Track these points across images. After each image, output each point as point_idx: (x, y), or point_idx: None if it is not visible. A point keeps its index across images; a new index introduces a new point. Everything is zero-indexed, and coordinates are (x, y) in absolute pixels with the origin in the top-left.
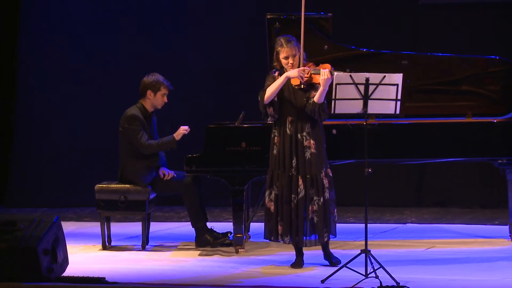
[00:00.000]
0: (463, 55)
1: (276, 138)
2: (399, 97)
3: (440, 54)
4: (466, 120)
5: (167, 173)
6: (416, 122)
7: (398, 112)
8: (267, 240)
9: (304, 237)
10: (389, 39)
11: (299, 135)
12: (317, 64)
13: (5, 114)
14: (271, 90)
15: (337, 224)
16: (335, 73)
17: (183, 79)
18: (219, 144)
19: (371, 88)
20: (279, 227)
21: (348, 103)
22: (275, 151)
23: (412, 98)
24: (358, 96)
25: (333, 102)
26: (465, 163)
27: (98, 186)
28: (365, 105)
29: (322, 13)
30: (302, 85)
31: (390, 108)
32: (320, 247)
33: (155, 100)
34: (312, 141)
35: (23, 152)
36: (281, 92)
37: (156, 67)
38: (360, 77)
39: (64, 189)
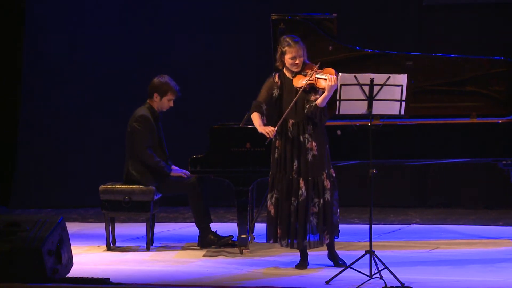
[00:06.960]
0: (467, 56)
1: (277, 141)
2: (403, 98)
3: (444, 54)
4: (470, 120)
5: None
6: (421, 122)
7: (402, 112)
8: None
9: (308, 239)
10: (393, 39)
11: (301, 137)
12: (320, 66)
13: (10, 115)
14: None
15: (341, 225)
16: (340, 74)
17: (187, 79)
18: (223, 145)
19: (376, 89)
20: (278, 230)
21: (352, 104)
22: (276, 155)
23: (417, 99)
24: (363, 97)
25: (337, 103)
26: (469, 164)
27: (102, 186)
28: (370, 106)
29: (326, 13)
30: (306, 87)
31: (394, 108)
32: (325, 247)
33: (160, 103)
34: (314, 143)
35: (27, 153)
36: (282, 95)
37: (159, 67)
38: (364, 77)
39: (69, 190)
